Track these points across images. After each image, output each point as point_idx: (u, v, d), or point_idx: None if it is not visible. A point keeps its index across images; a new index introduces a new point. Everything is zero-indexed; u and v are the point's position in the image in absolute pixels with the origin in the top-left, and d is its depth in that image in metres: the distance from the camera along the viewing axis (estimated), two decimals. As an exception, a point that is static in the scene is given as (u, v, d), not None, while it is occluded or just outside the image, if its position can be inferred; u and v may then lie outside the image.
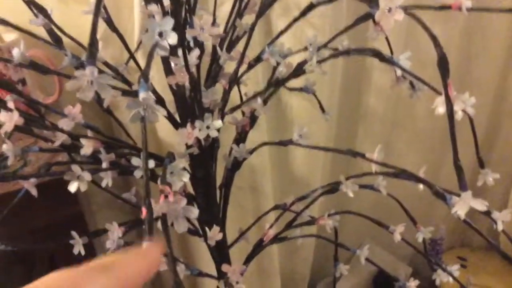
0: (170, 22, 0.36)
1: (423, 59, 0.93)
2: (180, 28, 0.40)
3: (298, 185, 0.94)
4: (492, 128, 1.06)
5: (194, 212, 0.32)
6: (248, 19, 0.56)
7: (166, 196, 0.33)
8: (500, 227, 0.45)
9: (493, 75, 1.00)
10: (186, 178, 0.39)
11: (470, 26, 0.94)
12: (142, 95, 0.30)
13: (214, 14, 0.62)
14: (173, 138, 0.76)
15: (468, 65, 0.98)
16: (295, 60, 0.59)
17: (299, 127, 0.58)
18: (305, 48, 0.57)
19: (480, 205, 0.35)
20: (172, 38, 0.36)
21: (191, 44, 0.48)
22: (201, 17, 0.42)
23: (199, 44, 0.44)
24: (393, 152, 1.03)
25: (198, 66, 0.44)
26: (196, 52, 0.42)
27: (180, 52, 0.42)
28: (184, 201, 0.31)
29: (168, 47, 0.36)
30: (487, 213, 0.44)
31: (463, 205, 0.36)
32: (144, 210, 0.30)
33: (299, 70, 0.55)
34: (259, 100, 0.54)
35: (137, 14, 0.73)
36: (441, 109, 0.34)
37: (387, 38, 0.62)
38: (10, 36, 0.66)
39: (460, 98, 0.36)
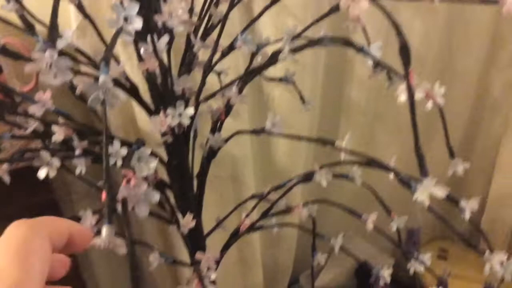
0: (135, 7, 0.36)
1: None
2: (147, 13, 0.40)
3: (280, 176, 0.95)
4: (474, 121, 1.07)
5: (155, 196, 0.32)
6: (225, 7, 0.56)
7: (128, 181, 0.33)
8: (467, 216, 0.46)
9: (476, 68, 1.01)
10: (153, 164, 0.39)
11: (453, 19, 0.94)
12: (101, 78, 0.30)
13: (192, 2, 0.62)
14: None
15: (450, 58, 0.99)
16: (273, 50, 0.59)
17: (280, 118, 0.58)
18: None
19: (441, 192, 0.36)
20: (137, 23, 0.36)
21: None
22: (171, 3, 0.42)
23: (169, 30, 0.44)
24: (375, 143, 1.04)
25: (168, 53, 0.44)
26: (165, 38, 0.42)
27: (148, 38, 0.42)
28: (144, 186, 0.31)
29: (133, 32, 0.37)
30: (454, 201, 0.45)
31: (424, 191, 0.36)
32: (104, 194, 0.30)
33: (273, 59, 0.55)
34: (234, 88, 0.54)
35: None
36: (402, 96, 0.35)
37: (364, 29, 0.62)
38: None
39: (421, 86, 0.36)
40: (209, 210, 0.65)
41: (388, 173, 0.48)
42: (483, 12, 0.94)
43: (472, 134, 1.07)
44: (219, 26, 0.56)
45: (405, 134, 1.08)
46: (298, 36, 0.54)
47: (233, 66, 0.78)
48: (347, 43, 0.48)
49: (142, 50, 0.42)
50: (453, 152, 0.53)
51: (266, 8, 0.50)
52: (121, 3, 0.38)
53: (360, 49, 0.48)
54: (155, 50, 0.41)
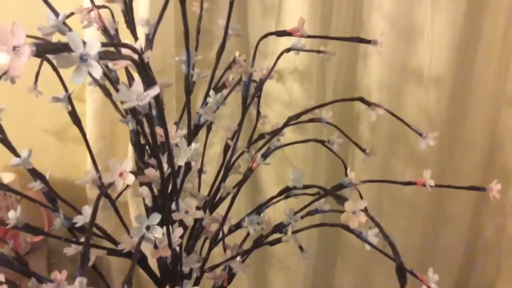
0: (157, 217, 0.40)
1: (397, 197, 0.98)
2: (165, 214, 0.44)
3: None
4: (467, 264, 1.08)
5: None
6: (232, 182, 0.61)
7: None
8: None
9: (467, 213, 1.05)
10: None
11: (443, 168, 1.00)
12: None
13: (203, 156, 0.67)
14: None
15: (442, 203, 1.03)
16: (276, 211, 0.63)
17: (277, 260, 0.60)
18: (286, 191, 0.60)
19: None
20: (158, 233, 0.40)
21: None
22: (185, 198, 0.46)
23: (183, 224, 0.48)
24: (371, 284, 1.04)
25: (180, 244, 0.48)
26: (179, 231, 0.46)
27: (164, 229, 0.46)
28: None
29: (154, 239, 0.40)
30: None
31: None
32: None
33: (276, 231, 0.59)
34: (238, 258, 0.57)
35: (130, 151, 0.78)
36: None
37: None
38: (7, 175, 0.70)
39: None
40: None
41: None
42: (473, 163, 1.00)
43: (465, 277, 1.08)
44: (224, 198, 0.61)
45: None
46: (300, 211, 0.59)
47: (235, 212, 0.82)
48: (346, 228, 0.52)
49: (157, 242, 0.45)
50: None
51: (275, 199, 0.55)
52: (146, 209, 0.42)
53: (358, 235, 0.51)
54: (170, 243, 0.45)
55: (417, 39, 0.88)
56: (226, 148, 0.59)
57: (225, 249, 0.57)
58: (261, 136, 0.63)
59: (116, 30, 0.58)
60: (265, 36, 0.54)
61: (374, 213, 0.60)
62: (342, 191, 0.60)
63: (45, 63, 0.57)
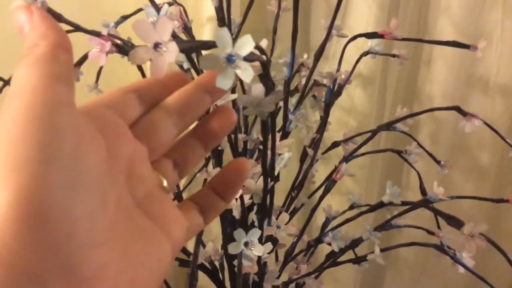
0: (257, 233, 0.37)
1: (454, 211, 0.94)
2: (261, 229, 0.41)
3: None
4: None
5: None
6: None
7: None
8: None
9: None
10: None
11: (501, 183, 0.95)
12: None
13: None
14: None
15: (499, 218, 0.99)
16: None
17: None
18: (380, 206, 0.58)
19: None
20: (258, 250, 0.37)
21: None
22: (277, 212, 0.43)
23: (273, 239, 0.44)
24: (421, 300, 1.00)
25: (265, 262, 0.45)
26: (268, 246, 0.42)
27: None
28: None
29: (253, 257, 0.37)
30: None
31: None
32: None
33: (353, 246, 0.55)
34: (312, 277, 0.54)
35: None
36: None
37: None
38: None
39: None
40: None
41: None
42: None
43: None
44: (298, 209, 0.58)
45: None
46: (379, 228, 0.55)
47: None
48: (440, 248, 0.48)
49: (243, 261, 0.42)
50: None
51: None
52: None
53: (452, 257, 0.48)
54: (259, 260, 0.41)
55: (485, 46, 0.84)
56: (303, 156, 0.55)
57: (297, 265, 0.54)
58: (335, 144, 0.60)
59: (190, 29, 0.55)
60: (354, 38, 0.51)
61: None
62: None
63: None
